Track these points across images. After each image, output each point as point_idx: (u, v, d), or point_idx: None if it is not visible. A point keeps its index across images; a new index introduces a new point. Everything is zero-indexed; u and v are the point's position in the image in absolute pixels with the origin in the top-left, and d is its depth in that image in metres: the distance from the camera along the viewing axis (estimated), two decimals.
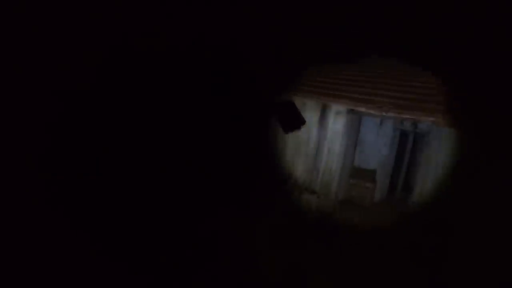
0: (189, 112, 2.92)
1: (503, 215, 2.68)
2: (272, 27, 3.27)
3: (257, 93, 3.11)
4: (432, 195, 7.31)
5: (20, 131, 2.17)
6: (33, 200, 2.29)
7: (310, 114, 6.58)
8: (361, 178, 8.83)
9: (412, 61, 4.16)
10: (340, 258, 3.39)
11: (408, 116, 5.30)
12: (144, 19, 2.62)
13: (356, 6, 3.13)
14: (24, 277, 2.18)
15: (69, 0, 2.22)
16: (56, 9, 2.17)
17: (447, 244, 2.95)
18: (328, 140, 6.80)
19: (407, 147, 9.42)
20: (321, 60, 4.16)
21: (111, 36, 2.51)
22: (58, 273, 2.34)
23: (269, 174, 3.35)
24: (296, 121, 3.45)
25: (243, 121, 3.07)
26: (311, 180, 7.00)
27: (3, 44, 2.00)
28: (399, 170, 9.48)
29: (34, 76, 2.18)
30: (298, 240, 3.93)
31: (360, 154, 9.18)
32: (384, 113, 5.45)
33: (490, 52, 2.93)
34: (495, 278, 2.32)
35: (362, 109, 5.59)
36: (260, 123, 3.15)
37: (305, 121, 3.65)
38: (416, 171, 8.97)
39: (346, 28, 3.46)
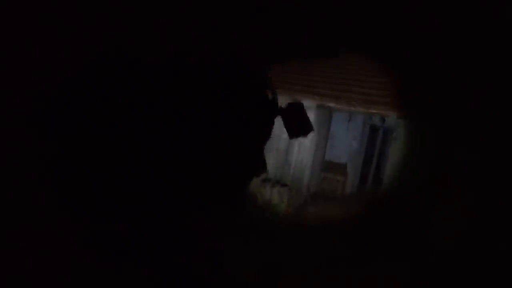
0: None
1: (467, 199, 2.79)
2: (242, 21, 3.27)
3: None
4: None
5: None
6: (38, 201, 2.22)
7: None
8: (332, 171, 9.02)
9: (380, 57, 4.28)
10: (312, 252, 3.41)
11: (374, 111, 5.47)
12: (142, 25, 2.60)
13: (327, 2, 3.17)
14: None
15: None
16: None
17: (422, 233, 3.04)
18: None
19: (377, 141, 9.70)
20: (291, 55, 4.19)
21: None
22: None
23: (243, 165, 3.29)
24: (303, 127, 3.13)
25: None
26: (282, 174, 7.09)
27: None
28: (369, 163, 9.74)
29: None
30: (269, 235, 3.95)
31: (331, 148, 9.37)
32: (352, 108, 5.59)
33: (450, 47, 3.04)
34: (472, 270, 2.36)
35: (332, 105, 5.71)
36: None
37: (313, 129, 3.31)
38: (385, 164, 9.26)
39: (316, 24, 3.49)
